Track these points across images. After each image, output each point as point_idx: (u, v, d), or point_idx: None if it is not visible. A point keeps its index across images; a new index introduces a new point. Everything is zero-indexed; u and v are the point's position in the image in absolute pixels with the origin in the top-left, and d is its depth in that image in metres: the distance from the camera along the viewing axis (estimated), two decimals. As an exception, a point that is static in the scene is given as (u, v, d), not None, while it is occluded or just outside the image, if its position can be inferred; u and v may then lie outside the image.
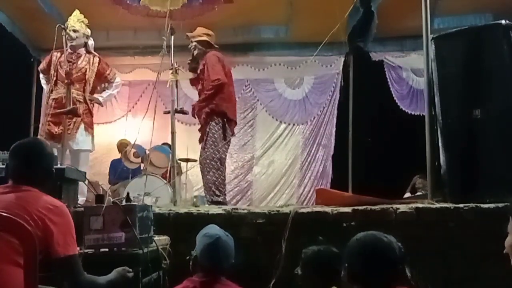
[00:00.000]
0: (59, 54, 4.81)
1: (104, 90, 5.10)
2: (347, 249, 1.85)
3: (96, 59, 4.97)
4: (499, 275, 1.66)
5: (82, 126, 4.79)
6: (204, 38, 4.70)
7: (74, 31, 4.86)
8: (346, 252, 1.85)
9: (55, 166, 3.18)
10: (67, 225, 2.05)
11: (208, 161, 4.42)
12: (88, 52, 4.98)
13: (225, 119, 4.52)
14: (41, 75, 5.22)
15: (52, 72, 4.82)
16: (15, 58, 6.69)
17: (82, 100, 4.82)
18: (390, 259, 1.78)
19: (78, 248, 2.18)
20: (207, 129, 4.45)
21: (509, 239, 1.69)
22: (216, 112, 4.47)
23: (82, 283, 2.07)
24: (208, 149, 4.41)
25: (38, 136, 4.78)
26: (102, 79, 5.04)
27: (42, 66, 5.15)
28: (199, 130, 4.64)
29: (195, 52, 4.69)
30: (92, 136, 4.94)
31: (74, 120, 4.72)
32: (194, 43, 4.69)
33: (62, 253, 1.99)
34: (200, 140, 4.60)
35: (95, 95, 5.01)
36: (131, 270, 2.31)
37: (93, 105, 5.00)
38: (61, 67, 4.78)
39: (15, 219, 1.84)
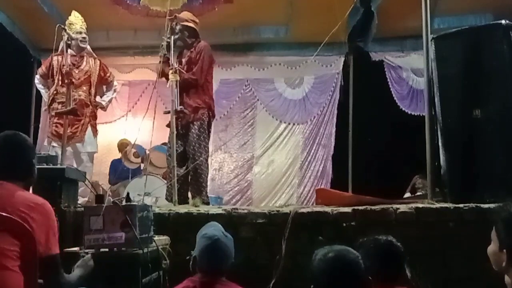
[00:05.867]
0: (60, 58, 4.81)
1: (104, 94, 5.12)
2: (312, 268, 1.78)
3: (97, 62, 5.03)
4: (499, 275, 1.66)
5: (89, 128, 4.90)
6: (191, 24, 4.58)
7: (85, 33, 4.90)
8: (312, 271, 1.78)
9: (55, 166, 3.22)
10: (49, 223, 1.98)
11: (205, 161, 4.40)
12: (88, 54, 5.00)
13: (210, 114, 4.52)
14: (38, 79, 5.12)
15: (56, 76, 4.80)
16: (15, 58, 6.69)
17: (89, 103, 4.87)
18: (357, 275, 1.73)
19: (78, 248, 2.18)
20: (198, 125, 4.37)
21: (491, 247, 1.69)
22: (206, 108, 4.45)
23: (62, 284, 2.03)
24: (204, 148, 4.38)
25: (46, 137, 4.81)
26: (103, 82, 5.09)
27: (41, 70, 5.07)
28: (179, 115, 4.33)
29: (176, 37, 4.48)
30: (96, 138, 5.06)
31: (82, 122, 4.81)
32: (179, 27, 4.50)
33: (44, 252, 1.93)
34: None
35: (97, 99, 5.06)
36: (90, 257, 2.30)
37: (97, 109, 5.07)
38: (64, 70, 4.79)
39: (14, 219, 1.83)
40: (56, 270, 2.01)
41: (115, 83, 5.24)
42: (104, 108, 5.14)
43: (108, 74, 5.10)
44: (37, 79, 5.15)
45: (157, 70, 4.42)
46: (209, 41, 4.70)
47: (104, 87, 5.13)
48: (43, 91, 5.10)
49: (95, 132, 5.01)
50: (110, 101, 5.24)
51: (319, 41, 4.30)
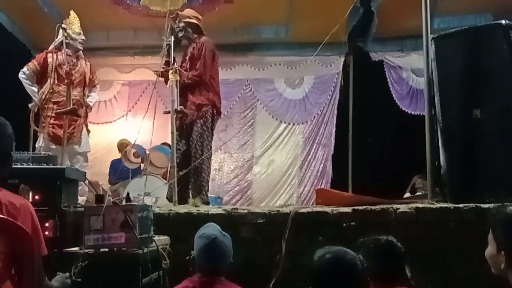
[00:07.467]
0: (55, 56, 4.73)
1: (88, 95, 5.12)
2: (311, 269, 1.76)
3: (88, 64, 5.05)
4: (499, 276, 1.66)
5: (84, 129, 4.94)
6: (194, 21, 4.56)
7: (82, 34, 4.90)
8: (310, 272, 1.76)
9: (55, 166, 3.22)
10: (35, 224, 1.88)
11: (206, 159, 4.39)
12: (80, 55, 4.99)
13: (215, 111, 4.47)
14: (26, 75, 4.78)
15: (51, 74, 4.73)
16: (15, 58, 6.68)
17: (83, 103, 4.88)
18: (354, 276, 1.71)
19: (78, 248, 2.16)
20: (200, 123, 4.33)
21: (489, 249, 1.68)
22: (210, 105, 4.40)
23: (44, 286, 1.95)
24: (206, 146, 4.35)
25: (42, 139, 4.77)
26: (90, 84, 5.10)
27: (34, 66, 4.78)
28: (180, 114, 4.29)
29: (180, 35, 4.48)
30: (89, 138, 5.11)
31: (78, 122, 4.81)
32: (182, 25, 4.49)
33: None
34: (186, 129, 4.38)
35: None
36: (68, 276, 2.17)
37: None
38: (61, 69, 4.74)
39: (11, 220, 1.81)
40: (42, 270, 1.92)
41: (97, 86, 5.26)
42: (91, 110, 5.17)
43: (95, 77, 5.15)
44: (24, 74, 4.78)
45: (158, 73, 4.42)
46: (209, 41, 4.69)
47: (87, 89, 5.12)
48: (33, 88, 4.81)
49: (88, 132, 5.07)
50: (95, 102, 5.30)
51: (319, 41, 4.29)
